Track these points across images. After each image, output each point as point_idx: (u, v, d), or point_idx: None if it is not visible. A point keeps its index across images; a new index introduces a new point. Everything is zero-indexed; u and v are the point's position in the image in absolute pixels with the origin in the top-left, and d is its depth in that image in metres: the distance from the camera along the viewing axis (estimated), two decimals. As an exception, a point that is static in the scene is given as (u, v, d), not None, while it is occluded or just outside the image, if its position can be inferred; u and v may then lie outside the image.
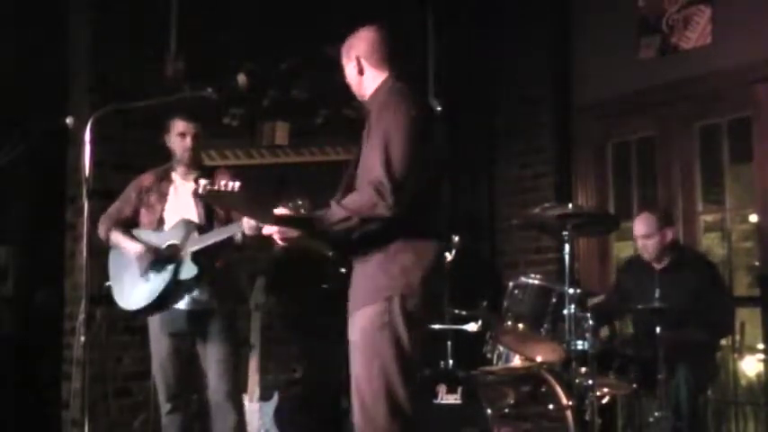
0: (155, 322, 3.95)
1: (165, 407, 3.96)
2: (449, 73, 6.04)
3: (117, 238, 3.97)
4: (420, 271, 2.83)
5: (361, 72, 3.03)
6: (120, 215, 4.02)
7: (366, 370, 2.84)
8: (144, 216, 3.99)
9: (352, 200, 2.79)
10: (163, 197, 3.99)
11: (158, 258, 3.81)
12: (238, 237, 3.78)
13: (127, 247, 3.91)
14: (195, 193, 3.04)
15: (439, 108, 5.58)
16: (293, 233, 2.89)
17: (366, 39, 3.04)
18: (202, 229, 3.83)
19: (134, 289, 3.85)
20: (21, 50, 5.08)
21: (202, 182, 2.90)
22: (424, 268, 2.84)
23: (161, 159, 4.12)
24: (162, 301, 3.82)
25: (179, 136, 3.98)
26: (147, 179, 4.06)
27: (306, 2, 5.50)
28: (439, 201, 2.98)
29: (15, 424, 5.11)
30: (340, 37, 3.12)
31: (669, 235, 4.61)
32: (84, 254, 3.27)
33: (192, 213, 3.92)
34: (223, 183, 2.83)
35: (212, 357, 3.89)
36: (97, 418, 4.63)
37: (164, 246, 3.85)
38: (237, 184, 2.89)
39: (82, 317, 3.43)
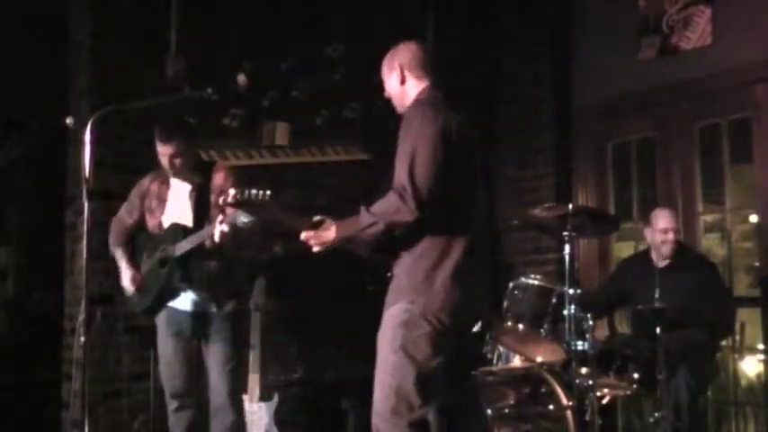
0: (160, 323, 4.00)
1: (171, 405, 3.99)
2: (449, 73, 6.02)
3: (118, 258, 4.06)
4: (441, 276, 2.91)
5: (402, 81, 3.16)
6: (126, 222, 4.08)
7: (383, 367, 2.94)
8: (148, 219, 4.02)
9: (378, 206, 2.90)
10: (162, 202, 3.99)
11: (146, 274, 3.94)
12: (208, 241, 3.71)
13: (122, 272, 4.02)
14: (224, 203, 3.05)
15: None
16: (328, 238, 2.97)
17: (408, 49, 3.18)
18: (189, 232, 3.82)
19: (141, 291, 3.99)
20: (21, 51, 5.08)
21: (231, 191, 2.92)
22: (446, 273, 2.91)
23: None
24: (158, 305, 3.94)
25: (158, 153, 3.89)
26: (148, 183, 4.06)
27: (306, 2, 5.49)
28: (467, 201, 3.05)
29: (15, 424, 5.12)
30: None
31: (680, 232, 4.69)
32: (84, 254, 3.27)
33: (187, 216, 3.91)
34: (254, 192, 2.88)
35: (213, 358, 3.91)
36: (97, 419, 4.63)
37: (156, 254, 3.91)
38: (269, 192, 2.91)
39: (82, 317, 3.42)
